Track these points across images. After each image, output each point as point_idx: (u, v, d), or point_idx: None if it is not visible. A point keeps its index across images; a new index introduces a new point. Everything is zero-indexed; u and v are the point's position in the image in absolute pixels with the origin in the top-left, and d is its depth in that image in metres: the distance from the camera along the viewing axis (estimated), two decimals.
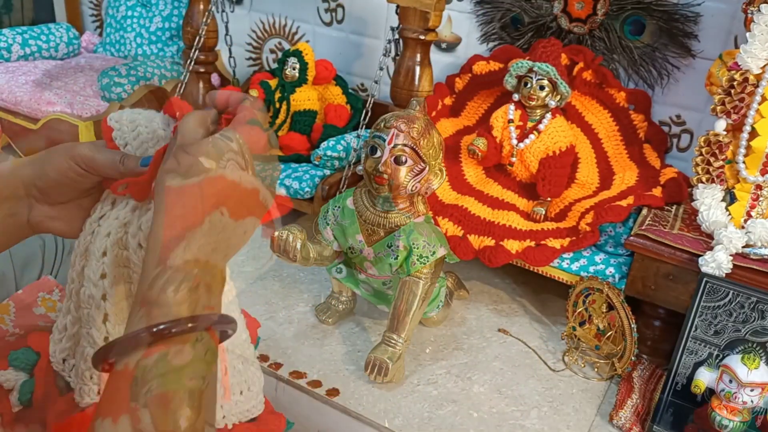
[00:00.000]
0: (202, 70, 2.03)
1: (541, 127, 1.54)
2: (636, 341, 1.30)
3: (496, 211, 1.53)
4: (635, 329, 1.30)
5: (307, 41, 2.14)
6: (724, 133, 1.32)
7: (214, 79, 2.09)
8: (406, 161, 1.10)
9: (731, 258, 1.19)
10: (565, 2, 1.71)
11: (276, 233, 1.16)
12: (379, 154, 1.11)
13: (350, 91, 1.99)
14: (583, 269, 1.40)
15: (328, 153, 1.70)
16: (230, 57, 2.09)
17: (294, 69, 1.85)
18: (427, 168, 1.12)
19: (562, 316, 1.50)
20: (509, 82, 1.56)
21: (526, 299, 1.60)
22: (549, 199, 1.55)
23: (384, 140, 1.10)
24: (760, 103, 1.28)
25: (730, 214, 1.31)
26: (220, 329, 0.53)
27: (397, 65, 1.68)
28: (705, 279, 1.17)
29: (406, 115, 1.12)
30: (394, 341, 1.23)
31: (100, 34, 2.51)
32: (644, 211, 1.41)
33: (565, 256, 1.42)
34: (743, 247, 1.22)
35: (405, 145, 1.10)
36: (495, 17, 1.81)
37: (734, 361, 1.14)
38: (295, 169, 1.69)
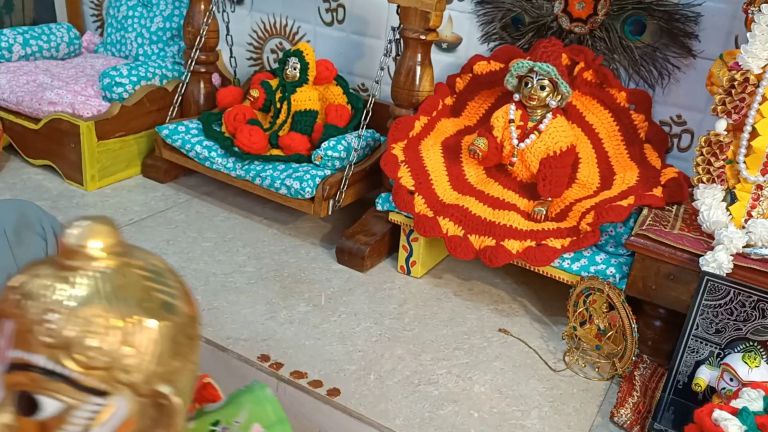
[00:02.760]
0: (203, 70, 2.03)
1: (541, 127, 1.54)
2: (637, 341, 1.30)
3: (497, 211, 1.53)
4: (636, 329, 1.30)
5: (308, 41, 2.14)
6: (725, 133, 1.32)
7: (215, 78, 2.09)
8: None
9: (732, 258, 1.19)
10: (565, 2, 1.71)
11: None
12: None
13: (351, 91, 1.99)
14: (583, 269, 1.40)
15: (329, 153, 1.70)
16: (231, 57, 2.09)
17: (295, 69, 1.85)
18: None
19: (562, 316, 1.50)
20: (510, 82, 1.56)
21: (526, 299, 1.60)
22: (550, 199, 1.55)
23: None
24: (760, 103, 1.28)
25: (730, 214, 1.31)
26: None
27: (398, 65, 1.69)
28: (706, 277, 1.17)
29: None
30: None
31: (101, 34, 2.51)
32: (645, 211, 1.41)
33: (565, 256, 1.42)
34: (744, 247, 1.22)
35: None
36: (496, 17, 1.81)
37: (735, 359, 1.14)
38: (295, 169, 1.70)
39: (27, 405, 0.44)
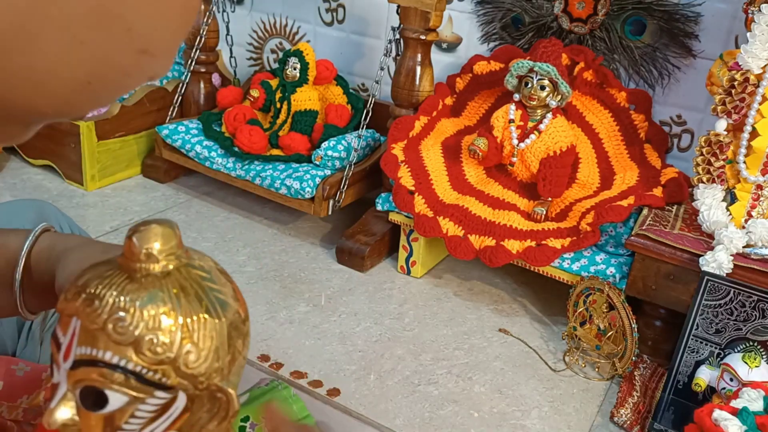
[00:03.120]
0: (203, 69, 2.03)
1: (541, 127, 1.54)
2: (637, 341, 1.30)
3: (497, 211, 1.53)
4: (636, 329, 1.30)
5: (308, 41, 2.14)
6: (725, 133, 1.32)
7: (215, 78, 2.09)
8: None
9: (732, 258, 1.19)
10: (565, 2, 1.71)
11: None
12: None
13: (351, 91, 1.99)
14: (583, 269, 1.40)
15: (329, 153, 1.70)
16: (231, 57, 2.09)
17: (295, 69, 1.85)
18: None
19: (562, 316, 1.50)
20: (510, 82, 1.56)
21: (526, 299, 1.60)
22: (550, 199, 1.55)
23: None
24: (760, 103, 1.28)
25: (730, 214, 1.31)
26: None
27: (398, 65, 1.69)
28: (706, 277, 1.17)
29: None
30: None
31: None
32: (645, 211, 1.41)
33: (565, 256, 1.42)
34: (744, 247, 1.22)
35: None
36: (496, 17, 1.81)
37: (735, 359, 1.14)
38: (296, 169, 1.70)
39: (92, 399, 0.45)
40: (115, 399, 0.44)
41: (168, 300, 0.44)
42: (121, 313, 0.43)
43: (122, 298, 0.44)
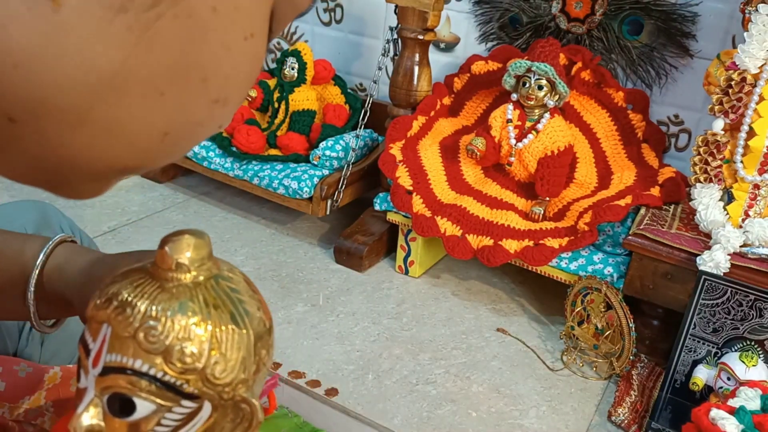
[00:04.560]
0: None
1: (539, 126, 1.54)
2: (634, 340, 1.30)
3: (495, 210, 1.54)
4: (633, 328, 1.30)
5: (306, 41, 2.14)
6: (722, 132, 1.32)
7: None
8: None
9: (729, 257, 1.20)
10: (563, 2, 1.71)
11: None
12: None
13: (349, 90, 1.99)
14: (581, 269, 1.40)
15: (327, 153, 1.70)
16: None
17: (293, 69, 1.85)
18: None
19: (560, 315, 1.51)
20: (508, 81, 1.56)
21: (524, 299, 1.61)
22: (547, 198, 1.55)
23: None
24: (757, 103, 1.28)
25: (727, 214, 1.31)
26: None
27: (395, 65, 1.69)
28: (703, 276, 1.17)
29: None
30: None
31: None
32: (642, 211, 1.41)
33: (563, 255, 1.42)
34: (741, 246, 1.23)
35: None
36: (493, 17, 1.82)
37: (732, 358, 1.14)
38: (293, 169, 1.70)
39: (119, 406, 0.46)
40: (143, 407, 0.45)
41: (198, 310, 0.45)
42: (153, 322, 0.43)
43: (154, 308, 0.44)
